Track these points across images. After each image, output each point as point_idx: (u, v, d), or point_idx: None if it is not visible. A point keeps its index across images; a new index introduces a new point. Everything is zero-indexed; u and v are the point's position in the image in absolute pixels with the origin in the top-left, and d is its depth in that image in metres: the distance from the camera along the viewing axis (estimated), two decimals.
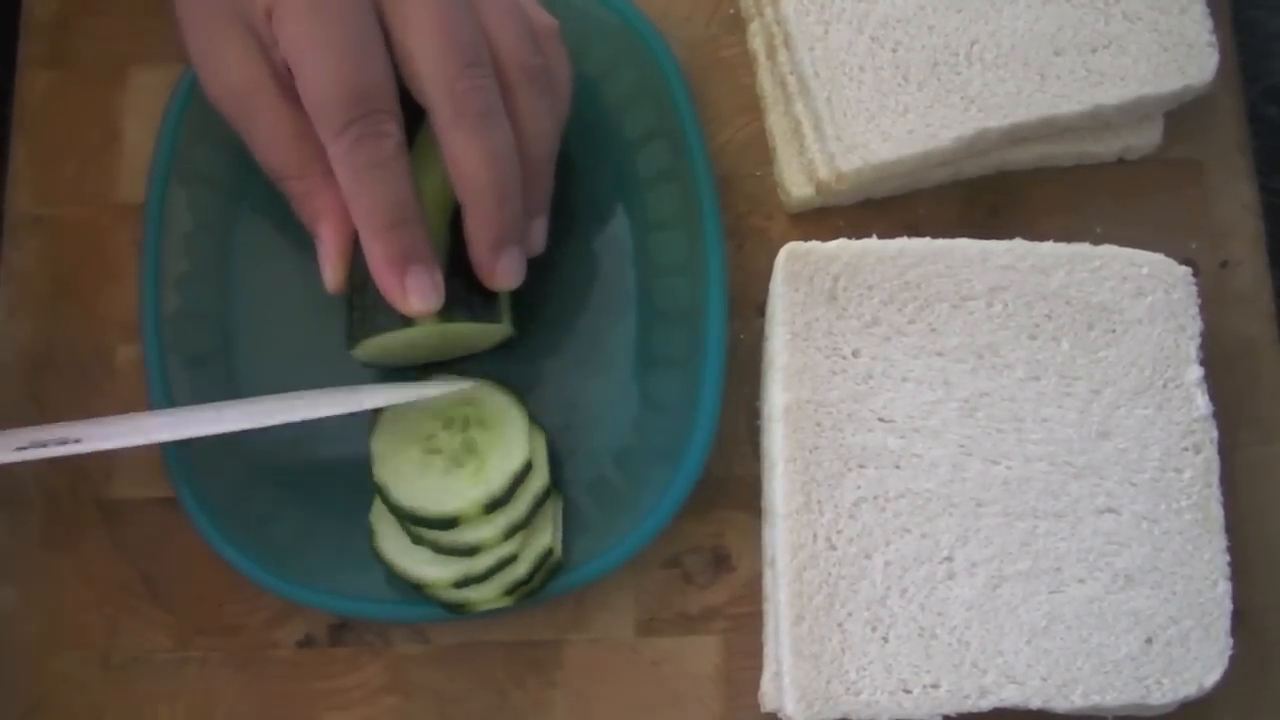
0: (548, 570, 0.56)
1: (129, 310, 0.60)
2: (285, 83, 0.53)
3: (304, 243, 0.56)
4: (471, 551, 0.54)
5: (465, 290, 0.54)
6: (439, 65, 0.51)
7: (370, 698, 0.57)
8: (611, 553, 0.56)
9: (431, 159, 0.54)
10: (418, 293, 0.52)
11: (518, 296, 0.58)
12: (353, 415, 0.58)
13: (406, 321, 0.54)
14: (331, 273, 0.55)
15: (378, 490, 0.56)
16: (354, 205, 0.52)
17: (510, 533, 0.55)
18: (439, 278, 0.53)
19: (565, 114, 0.57)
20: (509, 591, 0.55)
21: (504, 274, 0.54)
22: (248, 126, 0.55)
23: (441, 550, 0.55)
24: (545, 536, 0.56)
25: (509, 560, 0.55)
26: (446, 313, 0.54)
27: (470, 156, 0.52)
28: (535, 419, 0.57)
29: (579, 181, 0.61)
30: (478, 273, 0.54)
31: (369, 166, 0.51)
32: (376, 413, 0.57)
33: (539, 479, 0.56)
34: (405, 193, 0.52)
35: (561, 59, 0.56)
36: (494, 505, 0.54)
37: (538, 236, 0.57)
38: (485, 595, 0.55)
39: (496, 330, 0.57)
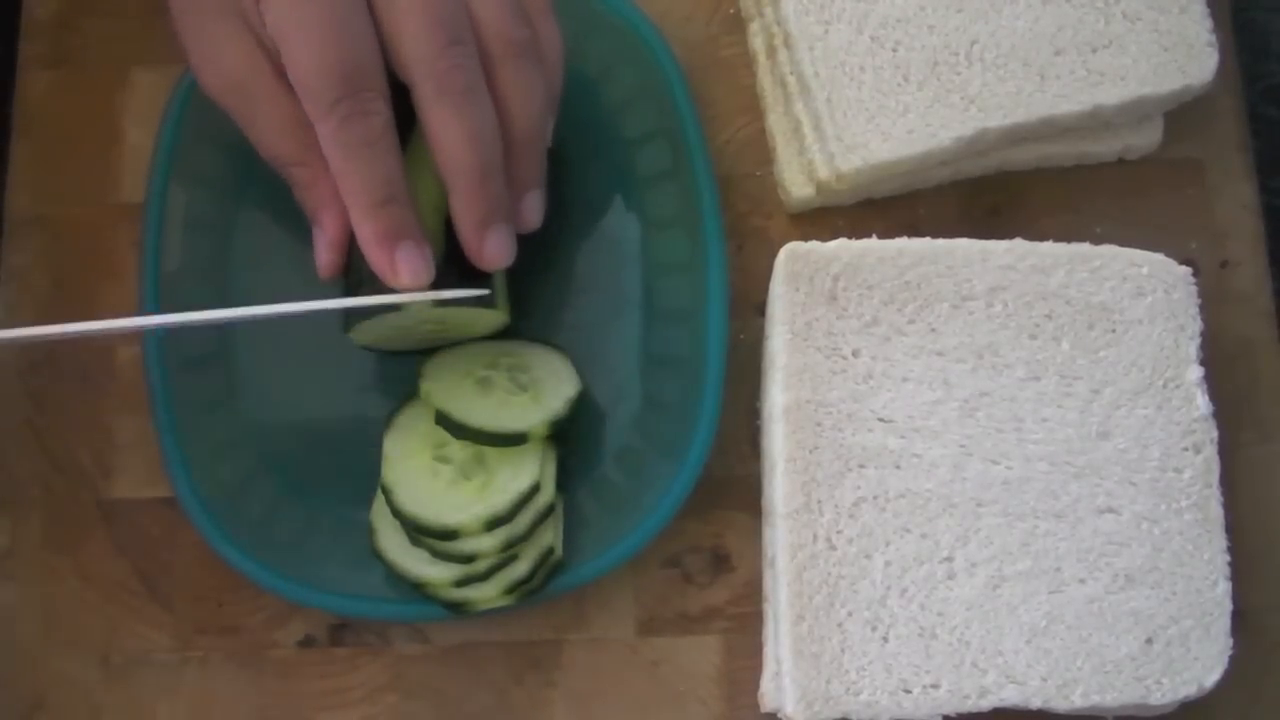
0: (548, 569, 0.56)
1: (129, 310, 0.60)
2: (281, 70, 0.53)
3: (304, 242, 0.56)
4: (468, 560, 0.54)
5: (460, 277, 0.54)
6: (421, 44, 0.51)
7: (370, 697, 0.57)
8: (612, 552, 0.56)
9: (425, 158, 0.54)
10: (408, 267, 0.52)
11: (517, 295, 0.58)
12: (354, 416, 0.58)
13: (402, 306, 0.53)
14: (327, 259, 0.54)
15: (384, 491, 0.55)
16: (343, 184, 0.52)
17: (509, 545, 0.54)
18: (429, 254, 0.53)
19: (558, 86, 0.56)
20: (509, 590, 0.55)
21: (492, 253, 0.54)
22: (247, 115, 0.54)
23: (439, 556, 0.55)
24: (546, 535, 0.56)
25: (510, 560, 0.55)
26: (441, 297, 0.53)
27: (452, 135, 0.52)
28: (551, 438, 0.56)
29: (579, 181, 0.61)
30: (466, 252, 0.54)
31: (357, 145, 0.51)
32: (393, 413, 0.57)
33: (544, 497, 0.55)
34: (394, 170, 0.52)
35: (552, 31, 0.56)
36: (496, 523, 0.54)
37: (532, 211, 0.55)
38: (485, 594, 0.55)
39: (493, 316, 0.56)
